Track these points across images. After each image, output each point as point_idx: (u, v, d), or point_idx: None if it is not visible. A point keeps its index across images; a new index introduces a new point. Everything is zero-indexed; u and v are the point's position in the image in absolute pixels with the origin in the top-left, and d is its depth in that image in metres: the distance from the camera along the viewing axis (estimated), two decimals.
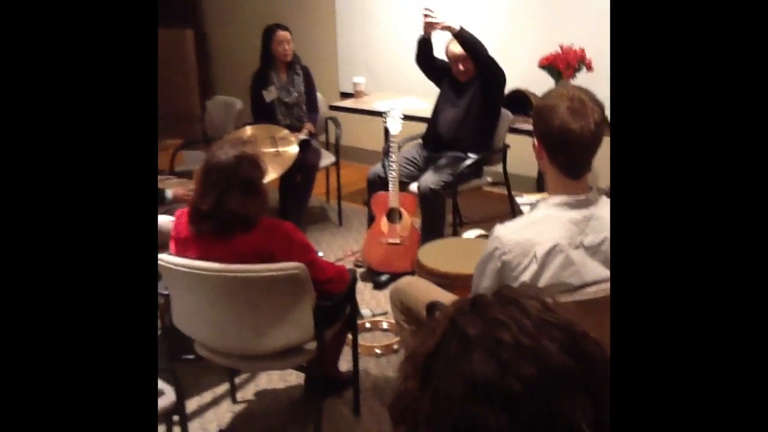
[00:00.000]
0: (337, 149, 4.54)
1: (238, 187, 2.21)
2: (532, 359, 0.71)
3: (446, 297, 2.31)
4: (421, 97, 4.56)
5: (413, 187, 3.84)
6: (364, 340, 3.18)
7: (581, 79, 3.85)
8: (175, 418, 2.26)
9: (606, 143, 1.52)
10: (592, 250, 1.81)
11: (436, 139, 3.97)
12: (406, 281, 2.57)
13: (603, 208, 1.82)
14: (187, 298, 2.33)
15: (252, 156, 2.27)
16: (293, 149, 3.89)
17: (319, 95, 4.61)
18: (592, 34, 4.02)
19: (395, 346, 3.12)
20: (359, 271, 3.82)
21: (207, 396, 2.84)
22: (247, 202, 2.22)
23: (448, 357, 0.74)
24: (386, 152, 3.85)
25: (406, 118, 3.90)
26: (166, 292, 2.39)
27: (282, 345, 2.32)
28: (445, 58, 3.93)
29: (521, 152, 3.84)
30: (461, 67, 3.83)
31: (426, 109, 4.20)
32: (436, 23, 3.59)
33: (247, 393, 2.88)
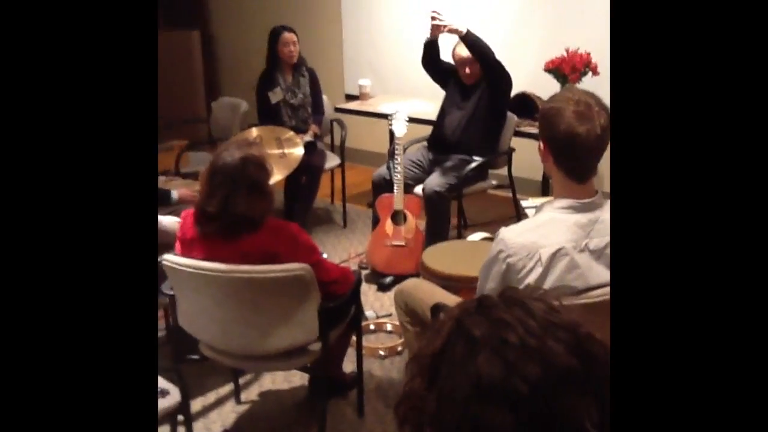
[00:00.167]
0: (342, 151, 4.54)
1: (244, 188, 2.21)
2: (537, 360, 0.71)
3: (451, 299, 2.31)
4: (427, 99, 4.55)
5: (418, 189, 3.84)
6: (368, 341, 3.18)
7: (587, 83, 3.85)
8: (180, 418, 2.26)
9: None
10: (597, 254, 1.81)
11: (442, 141, 3.97)
12: (410, 283, 2.58)
13: (608, 212, 1.82)
14: (193, 299, 2.34)
15: (258, 157, 2.28)
16: (299, 151, 3.90)
17: (324, 97, 4.61)
18: (598, 38, 4.00)
19: (399, 348, 3.12)
20: (364, 272, 3.82)
21: (211, 396, 2.85)
22: (252, 204, 2.23)
23: (453, 357, 0.74)
24: (391, 154, 3.85)
25: (412, 120, 3.90)
26: (171, 293, 2.40)
27: (287, 346, 2.32)
28: (452, 61, 3.93)
29: (526, 155, 3.84)
30: (468, 70, 3.82)
31: (431, 111, 4.19)
32: (443, 26, 3.59)
33: (251, 394, 2.88)
